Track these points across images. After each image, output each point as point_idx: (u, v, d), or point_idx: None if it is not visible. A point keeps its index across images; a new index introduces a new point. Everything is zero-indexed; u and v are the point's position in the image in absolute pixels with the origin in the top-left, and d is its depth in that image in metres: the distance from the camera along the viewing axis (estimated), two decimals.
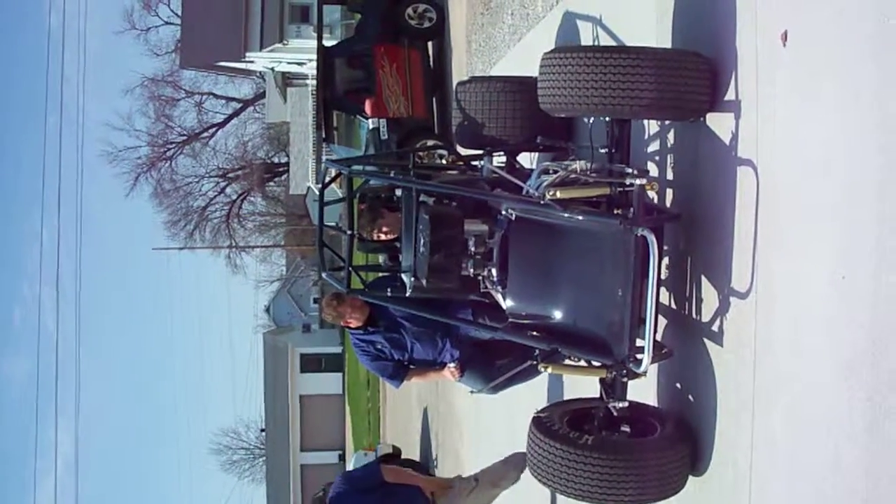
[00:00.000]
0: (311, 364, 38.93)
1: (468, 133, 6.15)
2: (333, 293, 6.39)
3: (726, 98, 3.96)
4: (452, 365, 6.24)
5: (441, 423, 13.99)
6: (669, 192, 4.64)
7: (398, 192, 6.35)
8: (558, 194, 4.01)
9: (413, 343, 6.17)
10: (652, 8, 4.88)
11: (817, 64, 3.32)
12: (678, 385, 4.56)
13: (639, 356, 3.92)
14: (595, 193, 4.11)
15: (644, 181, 3.81)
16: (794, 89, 3.46)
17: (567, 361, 4.46)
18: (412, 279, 5.35)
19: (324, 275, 6.25)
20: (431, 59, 12.81)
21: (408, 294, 5.50)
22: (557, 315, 4.36)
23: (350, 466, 16.07)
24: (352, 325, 6.19)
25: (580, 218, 4.04)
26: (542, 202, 4.08)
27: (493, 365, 6.09)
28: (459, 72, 11.46)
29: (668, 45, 4.59)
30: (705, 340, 4.21)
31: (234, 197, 47.23)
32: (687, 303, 4.42)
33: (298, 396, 37.95)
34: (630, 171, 3.88)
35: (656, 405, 4.65)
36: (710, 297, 4.18)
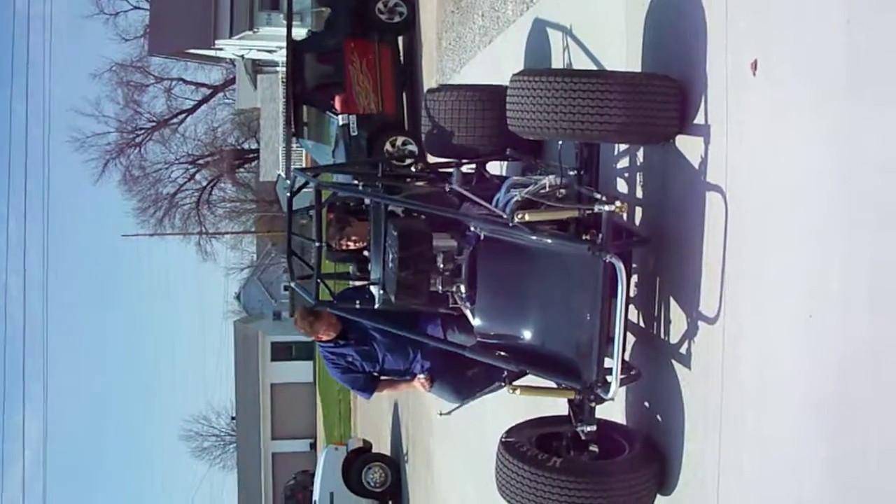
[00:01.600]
0: (282, 352, 38.69)
1: (437, 142, 6.12)
2: (306, 308, 6.35)
3: (695, 121, 3.95)
4: (422, 376, 6.23)
5: (411, 417, 13.99)
6: (638, 210, 4.64)
7: (367, 200, 6.32)
8: (527, 217, 3.98)
9: (385, 355, 6.14)
10: (621, 16, 4.84)
11: (788, 95, 3.31)
12: (646, 403, 4.57)
13: (608, 378, 3.91)
14: (564, 216, 4.08)
15: (613, 207, 3.79)
16: (764, 119, 3.45)
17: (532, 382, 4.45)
18: (381, 292, 5.33)
19: (293, 284, 6.21)
20: (402, 54, 12.72)
21: (376, 307, 5.49)
22: (525, 336, 4.34)
23: (321, 460, 16.05)
24: (323, 340, 6.15)
25: (548, 241, 4.01)
26: (510, 224, 4.05)
27: (463, 375, 6.07)
28: (430, 68, 11.40)
29: (637, 62, 4.58)
30: (673, 362, 4.22)
31: (204, 183, 46.83)
32: (655, 322, 4.42)
33: (269, 385, 37.77)
34: (599, 196, 3.86)
35: (624, 423, 4.66)
36: (678, 318, 4.18)
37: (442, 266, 4.80)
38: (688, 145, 4.02)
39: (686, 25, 4.00)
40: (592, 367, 3.89)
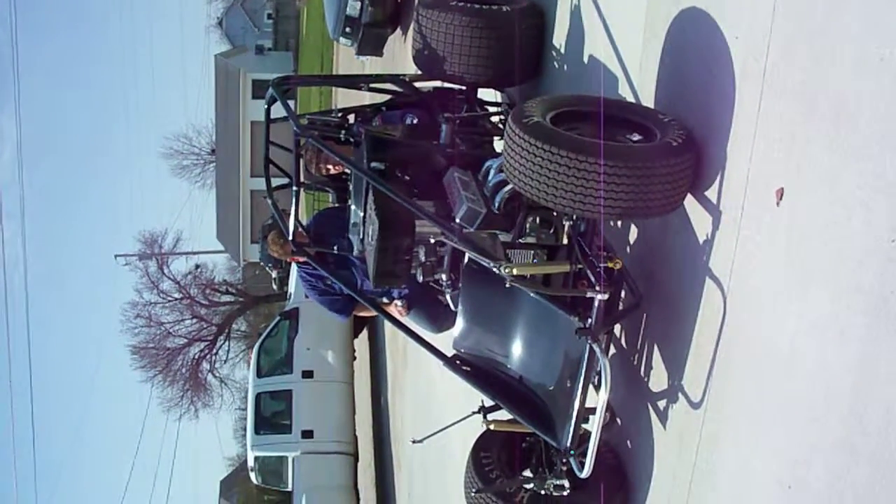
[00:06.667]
0: (264, 90, 37.90)
1: (428, 62, 5.76)
2: (279, 231, 6.13)
3: (707, 193, 3.63)
4: (399, 303, 6.16)
5: None
6: (633, 229, 4.37)
7: (350, 119, 6.00)
8: (515, 271, 3.73)
9: (363, 280, 6.04)
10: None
11: (808, 242, 3.01)
12: (619, 420, 4.53)
13: (581, 447, 3.83)
14: (555, 271, 3.85)
15: (606, 295, 3.56)
16: (780, 251, 3.16)
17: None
18: (359, 240, 5.20)
19: (269, 202, 5.99)
20: None
21: (355, 253, 5.40)
22: (503, 367, 4.22)
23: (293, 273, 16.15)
24: (298, 261, 6.02)
25: (537, 297, 3.80)
26: (498, 272, 3.79)
27: (439, 305, 6.02)
28: None
29: (654, 67, 4.11)
30: (650, 407, 4.16)
31: None
32: (637, 353, 4.31)
33: (249, 122, 37.28)
34: (593, 282, 3.59)
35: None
36: (660, 372, 4.07)
37: (424, 259, 4.62)
38: (696, 212, 3.72)
39: (711, 88, 3.56)
40: (568, 432, 3.81)
